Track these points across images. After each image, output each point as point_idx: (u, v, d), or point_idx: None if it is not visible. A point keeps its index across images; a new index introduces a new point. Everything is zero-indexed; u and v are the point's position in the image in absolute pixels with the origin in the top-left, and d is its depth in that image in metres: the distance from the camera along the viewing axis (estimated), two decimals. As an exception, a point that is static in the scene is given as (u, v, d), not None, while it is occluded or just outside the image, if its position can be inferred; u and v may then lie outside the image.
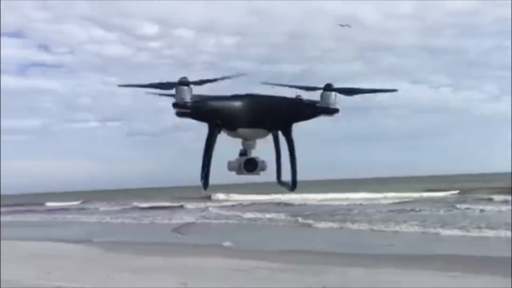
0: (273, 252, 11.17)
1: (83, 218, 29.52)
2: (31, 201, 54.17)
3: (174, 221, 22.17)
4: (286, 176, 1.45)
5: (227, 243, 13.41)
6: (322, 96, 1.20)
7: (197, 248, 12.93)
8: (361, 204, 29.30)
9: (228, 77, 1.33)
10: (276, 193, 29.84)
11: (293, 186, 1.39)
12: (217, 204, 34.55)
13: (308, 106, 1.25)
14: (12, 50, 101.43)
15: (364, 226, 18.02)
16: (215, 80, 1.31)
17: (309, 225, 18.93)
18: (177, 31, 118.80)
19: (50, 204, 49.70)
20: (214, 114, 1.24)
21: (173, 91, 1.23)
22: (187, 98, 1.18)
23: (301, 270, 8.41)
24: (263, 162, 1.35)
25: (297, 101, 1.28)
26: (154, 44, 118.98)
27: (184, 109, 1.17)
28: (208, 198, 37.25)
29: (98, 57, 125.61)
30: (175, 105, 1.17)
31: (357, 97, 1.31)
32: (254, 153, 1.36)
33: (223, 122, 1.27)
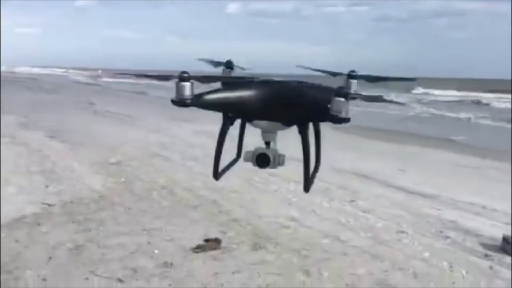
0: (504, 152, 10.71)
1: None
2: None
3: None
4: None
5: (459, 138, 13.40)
6: (333, 102, 1.03)
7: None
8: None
9: (237, 78, 1.26)
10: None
11: (305, 187, 1.25)
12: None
13: (320, 109, 1.08)
14: None
15: None
16: (220, 78, 1.25)
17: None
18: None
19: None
20: (221, 107, 1.15)
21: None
22: (187, 95, 1.08)
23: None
24: (279, 156, 1.22)
25: (316, 99, 1.11)
26: None
27: (182, 106, 1.09)
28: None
29: None
30: (173, 102, 1.09)
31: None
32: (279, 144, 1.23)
33: (234, 114, 1.19)
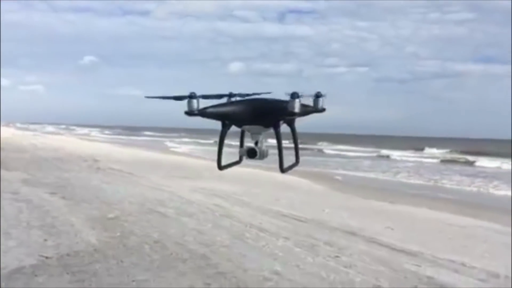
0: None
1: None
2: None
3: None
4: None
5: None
6: (289, 102, 1.54)
7: None
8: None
9: (234, 95, 1.73)
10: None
11: (281, 170, 1.70)
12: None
13: (280, 108, 1.60)
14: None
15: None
16: (219, 96, 1.71)
17: None
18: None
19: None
20: (220, 117, 1.64)
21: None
22: (195, 108, 1.57)
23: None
24: (264, 150, 1.67)
25: (277, 104, 1.62)
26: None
27: (192, 116, 1.57)
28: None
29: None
30: (186, 113, 1.57)
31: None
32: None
33: (230, 122, 1.68)
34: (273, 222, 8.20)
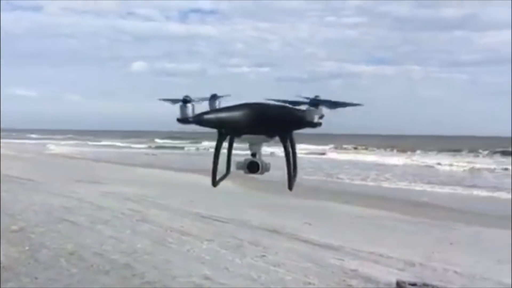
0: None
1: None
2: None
3: None
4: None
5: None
6: (307, 110, 1.35)
7: None
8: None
9: (228, 95, 1.52)
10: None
11: (289, 187, 1.50)
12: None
13: (296, 118, 1.39)
14: None
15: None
16: (215, 98, 1.49)
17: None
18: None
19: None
20: (217, 124, 1.40)
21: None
22: (189, 114, 1.36)
23: None
24: (266, 164, 1.46)
25: (291, 112, 1.41)
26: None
27: (186, 123, 1.37)
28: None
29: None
30: (179, 120, 1.37)
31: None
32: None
33: (227, 131, 1.44)
34: (195, 225, 8.01)
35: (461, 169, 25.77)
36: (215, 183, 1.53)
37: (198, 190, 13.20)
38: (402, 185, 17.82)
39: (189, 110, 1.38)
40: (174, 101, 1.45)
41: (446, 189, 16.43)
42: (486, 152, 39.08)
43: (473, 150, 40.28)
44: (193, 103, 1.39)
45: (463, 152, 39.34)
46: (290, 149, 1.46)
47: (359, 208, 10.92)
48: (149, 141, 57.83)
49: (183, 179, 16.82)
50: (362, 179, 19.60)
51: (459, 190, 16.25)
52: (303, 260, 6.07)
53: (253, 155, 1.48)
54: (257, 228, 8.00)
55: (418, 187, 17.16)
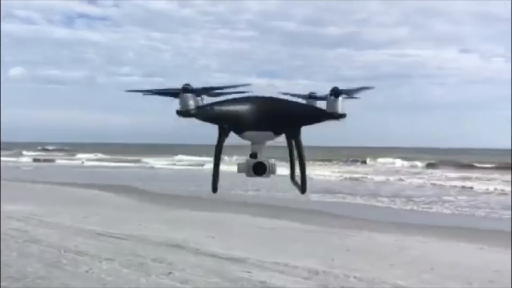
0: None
1: None
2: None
3: None
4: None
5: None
6: (328, 101, 1.23)
7: None
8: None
9: (234, 86, 1.32)
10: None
11: (303, 189, 1.36)
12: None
13: (315, 110, 1.28)
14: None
15: None
16: (219, 88, 1.30)
17: None
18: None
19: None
20: (220, 119, 1.23)
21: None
22: (191, 105, 1.19)
23: None
24: (273, 165, 1.32)
25: (304, 105, 1.31)
26: (198, 1, 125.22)
27: (187, 117, 1.19)
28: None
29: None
30: (178, 112, 1.18)
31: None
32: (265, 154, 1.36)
33: (230, 126, 1.27)
34: (90, 243, 7.49)
35: (339, 178, 27.43)
36: (215, 188, 1.35)
37: (89, 204, 12.44)
38: (294, 194, 18.37)
39: (191, 99, 1.20)
40: (145, 91, 1.29)
41: (336, 198, 17.30)
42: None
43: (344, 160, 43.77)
44: (196, 92, 1.22)
45: (334, 162, 42.41)
46: (302, 145, 1.33)
47: (260, 219, 11.07)
48: (16, 153, 51.73)
49: (70, 193, 15.73)
50: (256, 190, 19.92)
51: (349, 198, 17.17)
52: (211, 275, 5.96)
53: (253, 155, 1.33)
54: (158, 243, 7.70)
55: (306, 196, 17.85)
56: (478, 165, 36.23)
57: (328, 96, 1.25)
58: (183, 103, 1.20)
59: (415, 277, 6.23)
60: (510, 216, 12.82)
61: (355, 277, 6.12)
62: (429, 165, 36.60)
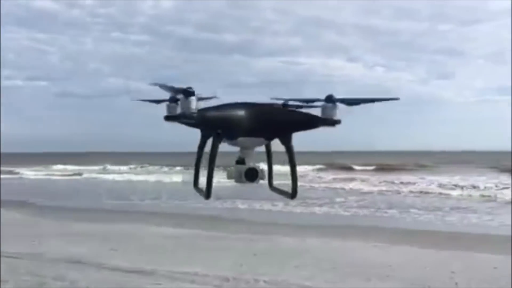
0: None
1: None
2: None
3: None
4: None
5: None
6: (323, 108, 1.27)
7: None
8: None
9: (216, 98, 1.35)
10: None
11: (293, 194, 1.39)
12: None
13: (309, 117, 1.32)
14: None
15: None
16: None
17: None
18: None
19: None
20: (216, 124, 1.25)
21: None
22: (193, 109, 1.20)
23: None
24: (262, 171, 1.35)
25: (296, 112, 1.34)
26: (87, 2, 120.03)
27: (188, 120, 1.19)
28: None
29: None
30: (167, 118, 1.19)
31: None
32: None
33: (224, 132, 1.27)
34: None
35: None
36: (209, 194, 1.32)
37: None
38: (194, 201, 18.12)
39: (194, 103, 1.20)
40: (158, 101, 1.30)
41: (234, 204, 17.38)
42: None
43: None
44: (198, 97, 1.22)
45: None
46: (293, 151, 1.35)
47: (164, 228, 10.85)
48: None
49: None
50: (154, 199, 19.37)
51: (256, 204, 17.27)
52: (117, 290, 5.73)
53: (240, 161, 1.34)
54: (57, 260, 7.22)
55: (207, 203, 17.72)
56: (357, 167, 38.88)
57: (324, 103, 1.29)
58: (185, 107, 1.20)
59: (319, 277, 6.56)
60: (394, 214, 14.13)
61: (264, 281, 6.28)
62: (319, 169, 38.39)
